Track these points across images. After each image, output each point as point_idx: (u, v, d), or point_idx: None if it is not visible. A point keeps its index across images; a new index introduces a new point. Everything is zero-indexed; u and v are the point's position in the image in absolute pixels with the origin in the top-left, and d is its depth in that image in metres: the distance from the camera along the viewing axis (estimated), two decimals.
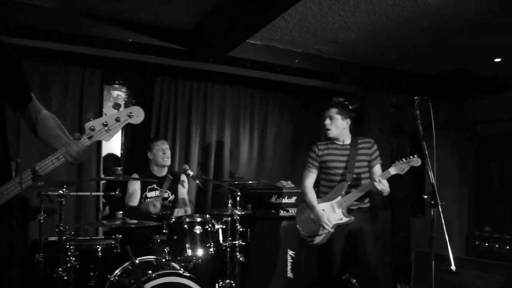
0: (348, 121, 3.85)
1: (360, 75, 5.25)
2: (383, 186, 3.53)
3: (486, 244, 5.21)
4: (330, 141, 3.92)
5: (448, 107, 5.93)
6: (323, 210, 3.82)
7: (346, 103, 3.91)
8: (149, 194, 4.34)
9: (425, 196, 2.82)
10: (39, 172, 1.78)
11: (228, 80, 5.46)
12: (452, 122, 5.96)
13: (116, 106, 1.85)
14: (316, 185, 4.03)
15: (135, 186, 4.36)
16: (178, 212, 4.43)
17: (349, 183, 3.79)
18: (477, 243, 5.30)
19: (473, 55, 4.74)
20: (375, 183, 3.53)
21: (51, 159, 1.79)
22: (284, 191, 5.03)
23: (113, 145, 5.14)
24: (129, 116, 1.81)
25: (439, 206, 2.75)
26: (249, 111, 5.76)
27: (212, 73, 5.15)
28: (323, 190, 3.98)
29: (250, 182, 4.50)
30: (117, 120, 1.81)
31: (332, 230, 3.76)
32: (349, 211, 3.77)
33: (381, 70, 5.29)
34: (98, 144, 4.82)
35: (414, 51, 4.69)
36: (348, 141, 3.90)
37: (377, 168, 3.89)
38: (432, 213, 2.79)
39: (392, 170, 3.52)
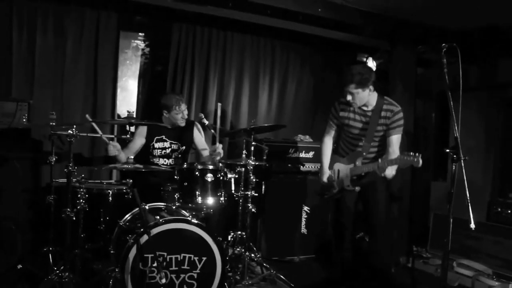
0: (371, 87, 3.48)
1: (386, 28, 4.96)
2: (384, 172, 3.34)
3: (509, 211, 5.03)
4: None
5: (479, 67, 5.64)
6: (338, 170, 3.78)
7: (365, 64, 3.51)
8: (157, 145, 4.19)
9: (447, 150, 2.63)
10: None
11: (248, 29, 5.28)
12: (482, 84, 5.68)
13: None
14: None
15: (138, 139, 4.18)
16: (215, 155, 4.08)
17: (364, 153, 3.66)
18: (499, 209, 5.12)
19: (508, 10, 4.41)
20: (377, 170, 3.36)
21: None
22: (301, 145, 4.93)
23: (130, 94, 5.07)
24: None
25: (462, 160, 2.58)
26: (269, 63, 5.60)
27: (232, 21, 4.96)
28: (343, 148, 3.88)
29: (265, 125, 4.27)
30: None
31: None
32: (360, 178, 3.67)
33: (409, 25, 4.99)
34: (114, 87, 4.79)
35: (444, 3, 4.39)
36: (372, 104, 3.58)
37: (393, 140, 3.53)
38: (454, 168, 2.61)
39: (396, 161, 3.20)
